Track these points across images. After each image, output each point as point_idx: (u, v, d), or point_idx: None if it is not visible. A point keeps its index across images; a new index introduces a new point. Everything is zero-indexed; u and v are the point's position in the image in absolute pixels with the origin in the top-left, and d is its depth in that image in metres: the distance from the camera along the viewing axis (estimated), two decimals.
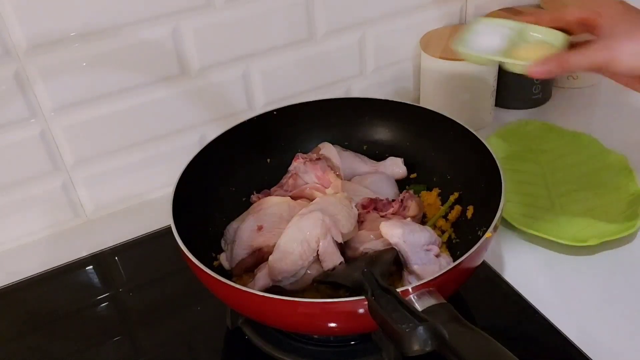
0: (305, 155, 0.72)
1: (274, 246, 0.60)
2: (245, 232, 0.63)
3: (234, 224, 0.67)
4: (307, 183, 0.70)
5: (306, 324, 0.53)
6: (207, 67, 0.77)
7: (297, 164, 0.71)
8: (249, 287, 0.53)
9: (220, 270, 0.63)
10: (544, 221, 0.72)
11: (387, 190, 0.71)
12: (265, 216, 0.64)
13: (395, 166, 0.74)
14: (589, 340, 0.58)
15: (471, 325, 0.45)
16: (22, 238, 0.77)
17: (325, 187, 0.69)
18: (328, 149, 0.74)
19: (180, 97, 0.78)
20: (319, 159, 0.71)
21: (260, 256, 0.62)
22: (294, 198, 0.68)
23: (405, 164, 0.74)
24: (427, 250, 0.59)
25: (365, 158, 0.75)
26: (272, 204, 0.66)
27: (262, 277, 0.59)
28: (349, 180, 0.73)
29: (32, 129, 0.71)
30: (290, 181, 0.71)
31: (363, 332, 0.58)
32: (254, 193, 0.71)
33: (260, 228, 0.63)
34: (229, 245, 0.65)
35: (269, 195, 0.70)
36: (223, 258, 0.64)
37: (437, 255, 0.60)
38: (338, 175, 0.71)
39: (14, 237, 0.76)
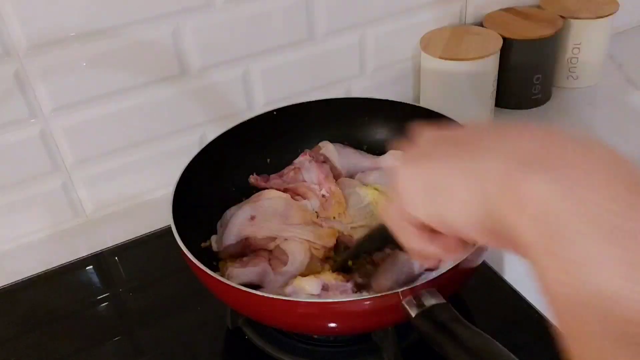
0: (313, 154, 0.72)
1: (261, 238, 0.61)
2: (237, 219, 0.64)
3: (232, 209, 0.68)
4: (305, 181, 0.70)
5: (306, 324, 0.53)
6: (207, 67, 0.77)
7: (303, 159, 0.72)
8: (231, 272, 0.55)
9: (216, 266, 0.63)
10: None
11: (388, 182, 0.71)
12: (261, 208, 0.66)
13: (397, 160, 0.74)
14: None
15: (471, 325, 0.45)
16: (22, 238, 0.77)
17: (321, 189, 0.70)
18: (328, 148, 0.74)
19: (180, 97, 0.78)
20: (324, 162, 0.71)
21: (247, 245, 0.63)
22: (288, 191, 0.69)
23: None
24: None
25: (365, 153, 0.75)
26: (270, 197, 0.66)
27: (249, 272, 0.59)
28: (351, 177, 0.73)
29: (32, 129, 0.71)
30: (292, 174, 0.71)
31: (363, 332, 0.58)
32: (253, 174, 0.72)
33: (252, 218, 0.64)
34: (222, 229, 0.65)
35: (268, 180, 0.71)
36: (213, 240, 0.65)
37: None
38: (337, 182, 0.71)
39: (14, 237, 0.76)
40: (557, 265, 0.25)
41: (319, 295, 0.55)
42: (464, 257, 0.50)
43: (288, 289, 0.56)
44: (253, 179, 0.72)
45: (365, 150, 0.77)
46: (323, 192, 0.69)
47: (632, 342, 0.22)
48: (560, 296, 0.25)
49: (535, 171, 0.26)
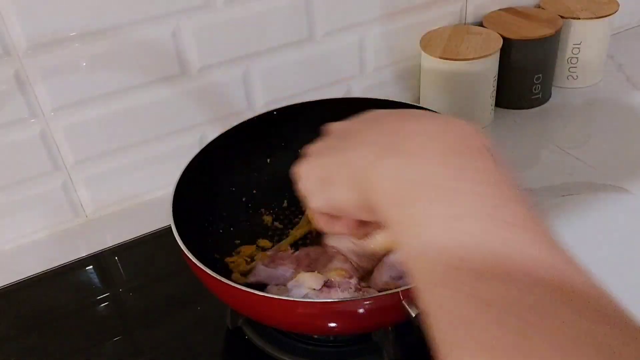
0: None
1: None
2: None
3: None
4: None
5: (306, 324, 0.53)
6: (207, 67, 0.77)
7: None
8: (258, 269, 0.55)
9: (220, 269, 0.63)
10: None
11: None
12: None
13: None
14: None
15: None
16: (22, 238, 0.77)
17: None
18: None
19: (180, 97, 0.78)
20: None
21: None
22: None
23: None
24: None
25: None
26: None
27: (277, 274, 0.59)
28: None
29: (32, 129, 0.71)
30: None
31: (363, 332, 0.58)
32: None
33: None
34: None
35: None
36: None
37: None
38: None
39: (14, 237, 0.76)
40: (402, 228, 0.32)
41: (320, 291, 0.55)
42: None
43: (290, 283, 0.56)
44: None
45: None
46: None
47: (461, 287, 0.27)
48: (407, 254, 0.31)
49: (386, 157, 0.34)
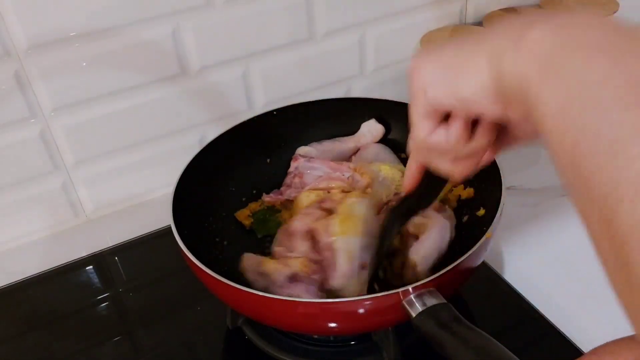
0: (304, 155, 0.72)
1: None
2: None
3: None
4: (320, 176, 0.69)
5: (306, 324, 0.53)
6: (207, 67, 0.77)
7: (298, 163, 0.71)
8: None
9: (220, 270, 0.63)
10: None
11: (391, 158, 0.72)
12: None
13: (373, 129, 0.75)
14: (588, 341, 0.58)
15: (471, 325, 0.45)
16: (22, 238, 0.77)
17: (342, 174, 0.69)
18: (305, 150, 0.73)
19: (180, 97, 0.78)
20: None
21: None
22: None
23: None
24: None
25: (342, 137, 0.76)
26: (311, 200, 0.65)
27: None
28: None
29: (32, 129, 0.71)
30: (297, 180, 0.70)
31: (363, 332, 0.58)
32: (264, 194, 0.72)
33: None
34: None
35: (281, 194, 0.70)
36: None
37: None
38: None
39: (14, 237, 0.76)
40: (558, 90, 0.28)
41: (288, 286, 0.54)
42: (463, 258, 0.50)
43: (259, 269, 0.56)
44: (268, 197, 0.71)
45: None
46: (345, 174, 0.68)
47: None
48: (562, 122, 0.27)
49: (536, 23, 0.31)
